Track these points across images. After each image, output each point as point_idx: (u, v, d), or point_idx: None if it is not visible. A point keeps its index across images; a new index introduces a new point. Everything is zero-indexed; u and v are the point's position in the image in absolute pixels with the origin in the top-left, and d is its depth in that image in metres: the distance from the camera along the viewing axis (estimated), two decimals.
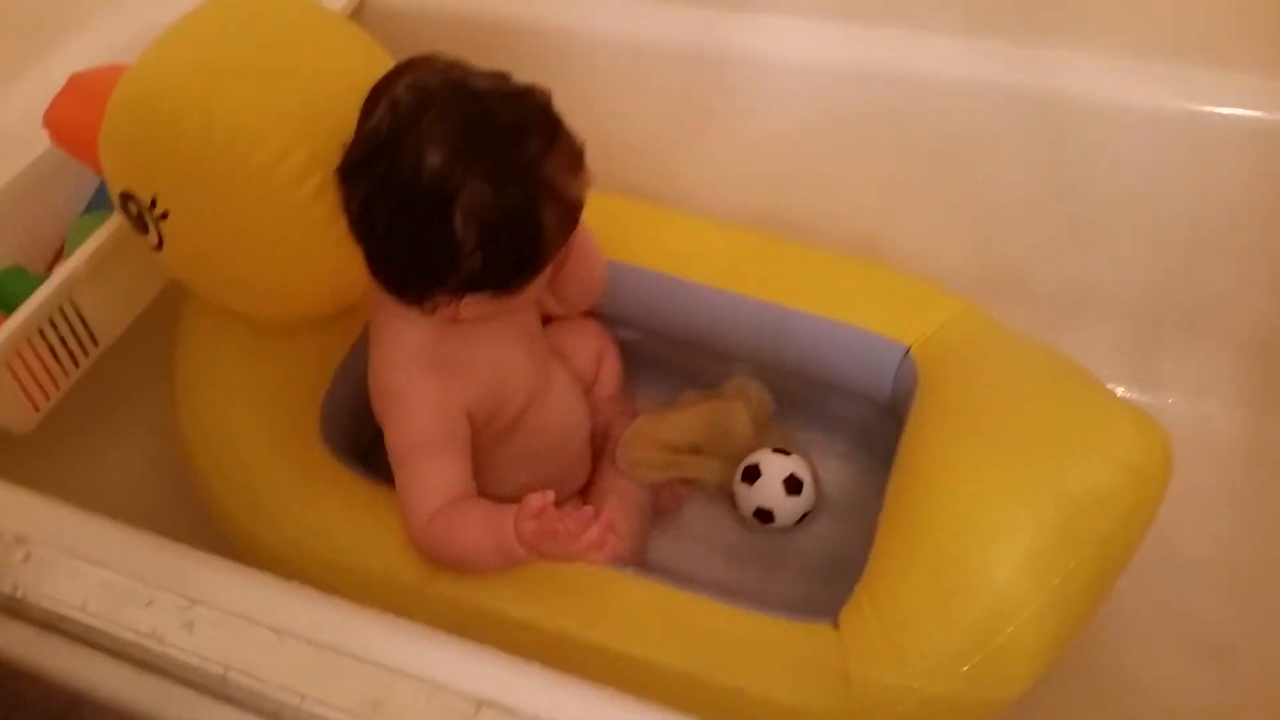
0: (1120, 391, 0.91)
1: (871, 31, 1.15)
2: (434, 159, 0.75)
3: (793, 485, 1.06)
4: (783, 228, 1.16)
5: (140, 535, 0.75)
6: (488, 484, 0.92)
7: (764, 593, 1.03)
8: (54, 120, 1.00)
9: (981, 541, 0.82)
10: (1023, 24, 1.09)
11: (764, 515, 1.07)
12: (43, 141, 1.07)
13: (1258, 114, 1.05)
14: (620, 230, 1.10)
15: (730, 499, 1.10)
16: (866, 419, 1.09)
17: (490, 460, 0.94)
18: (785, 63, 1.17)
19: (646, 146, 1.28)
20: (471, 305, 0.82)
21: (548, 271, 0.84)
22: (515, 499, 0.91)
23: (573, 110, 0.81)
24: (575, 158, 0.80)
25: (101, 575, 0.70)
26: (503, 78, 0.80)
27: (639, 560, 1.03)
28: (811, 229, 1.18)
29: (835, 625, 0.84)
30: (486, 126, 0.77)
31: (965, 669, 0.79)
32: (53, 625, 0.70)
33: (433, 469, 0.87)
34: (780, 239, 1.13)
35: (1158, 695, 0.98)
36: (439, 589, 0.88)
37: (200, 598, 0.69)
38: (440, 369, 0.88)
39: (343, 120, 0.84)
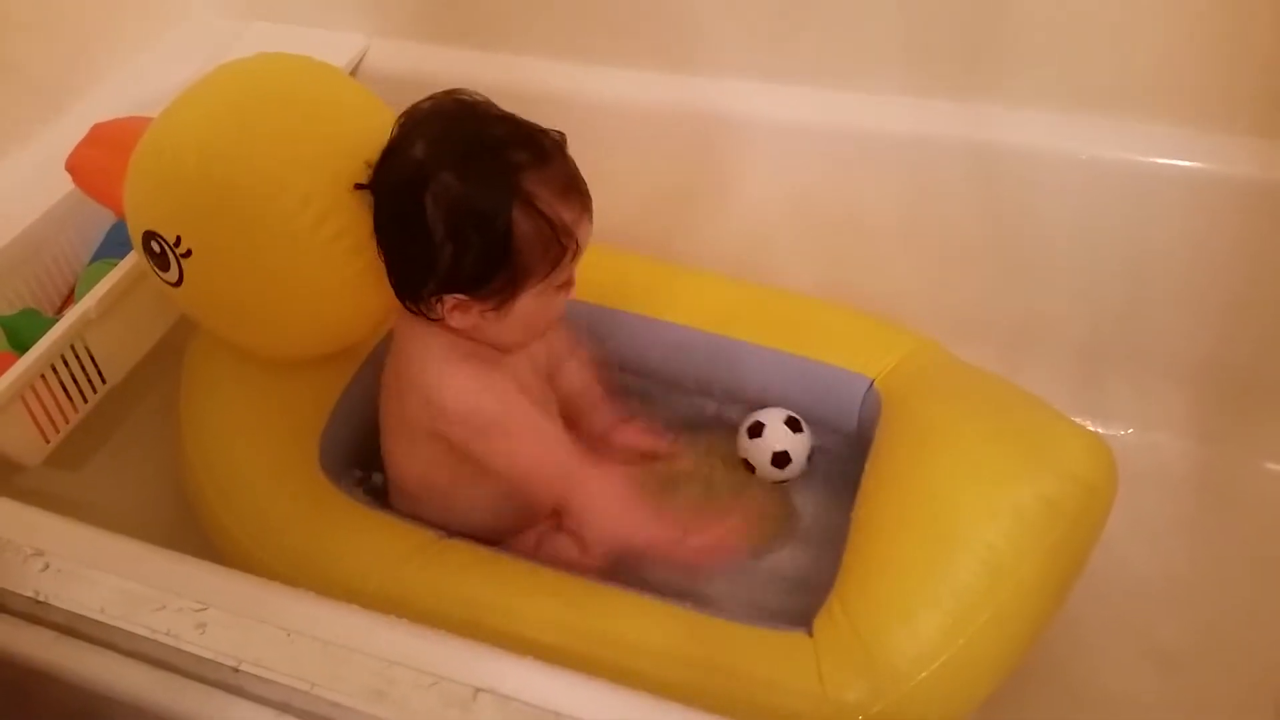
0: (1070, 418, 0.98)
1: (826, 94, 1.23)
2: (417, 150, 0.85)
3: (794, 425, 1.11)
4: (753, 274, 1.23)
5: (152, 548, 0.79)
6: (466, 490, 0.98)
7: (743, 607, 1.07)
8: (76, 165, 1.07)
9: (942, 551, 0.88)
10: (963, 81, 1.17)
11: (780, 459, 1.11)
12: (55, 193, 1.13)
13: (1191, 164, 1.13)
14: (603, 274, 1.16)
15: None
16: (835, 449, 1.15)
17: (480, 472, 0.97)
18: (751, 123, 1.25)
19: (626, 203, 1.35)
20: (457, 312, 0.88)
21: (530, 299, 0.87)
22: (488, 509, 1.01)
23: None
24: (567, 186, 0.86)
25: (117, 583, 0.75)
26: (521, 119, 0.87)
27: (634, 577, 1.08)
28: (779, 274, 1.25)
29: (810, 634, 0.89)
30: (474, 133, 0.86)
31: (930, 671, 0.84)
32: (72, 629, 0.74)
33: (536, 422, 0.94)
34: (752, 283, 1.20)
35: (1110, 700, 1.04)
36: (431, 608, 0.92)
37: (211, 602, 0.73)
38: (481, 361, 0.93)
39: (356, 172, 0.91)
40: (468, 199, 0.83)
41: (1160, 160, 1.14)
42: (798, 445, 1.11)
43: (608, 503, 0.95)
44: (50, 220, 1.13)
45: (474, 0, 1.34)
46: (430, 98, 0.89)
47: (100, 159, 1.04)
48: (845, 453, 1.12)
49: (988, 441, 0.93)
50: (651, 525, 0.94)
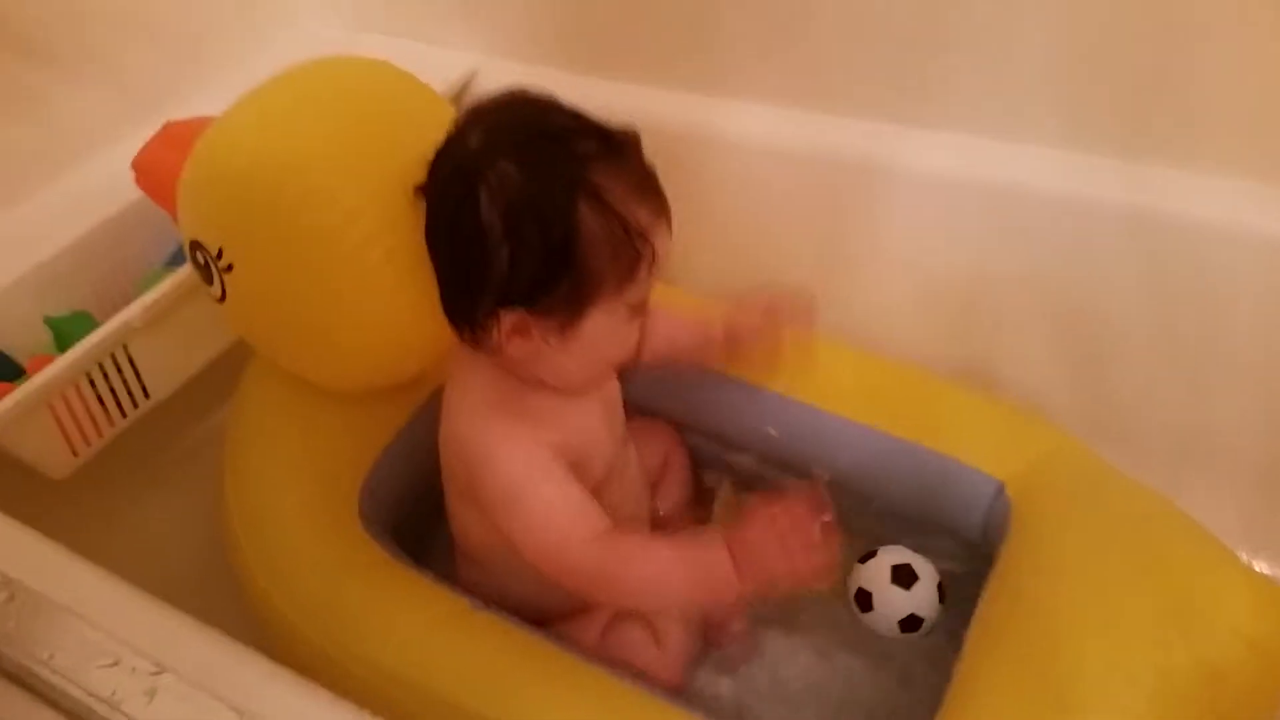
0: (1242, 560, 0.80)
1: (972, 140, 1.08)
2: (473, 140, 0.76)
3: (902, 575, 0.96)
4: (868, 343, 1.08)
5: (136, 593, 0.70)
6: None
7: None
8: (142, 164, 1.03)
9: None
10: (1133, 137, 1.01)
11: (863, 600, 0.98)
12: (127, 197, 1.08)
13: None
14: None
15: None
16: (949, 561, 0.98)
17: None
18: (884, 169, 1.12)
19: (732, 247, 1.24)
20: (516, 336, 0.77)
21: (599, 318, 0.76)
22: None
23: None
24: (641, 183, 0.76)
25: (79, 628, 0.66)
26: (588, 114, 0.78)
27: (683, 685, 0.94)
28: (898, 345, 1.10)
29: None
30: (536, 121, 0.77)
31: None
32: (15, 676, 0.65)
33: (554, 494, 0.79)
34: (866, 353, 1.06)
35: None
36: (450, 691, 0.80)
37: (169, 665, 0.63)
38: (521, 416, 0.82)
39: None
40: (527, 190, 0.73)
41: None
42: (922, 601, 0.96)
43: (635, 574, 0.77)
44: (118, 224, 1.09)
45: (596, 23, 1.25)
46: (493, 95, 0.80)
47: (166, 159, 0.99)
48: (961, 567, 0.95)
49: (1138, 586, 0.76)
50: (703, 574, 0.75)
